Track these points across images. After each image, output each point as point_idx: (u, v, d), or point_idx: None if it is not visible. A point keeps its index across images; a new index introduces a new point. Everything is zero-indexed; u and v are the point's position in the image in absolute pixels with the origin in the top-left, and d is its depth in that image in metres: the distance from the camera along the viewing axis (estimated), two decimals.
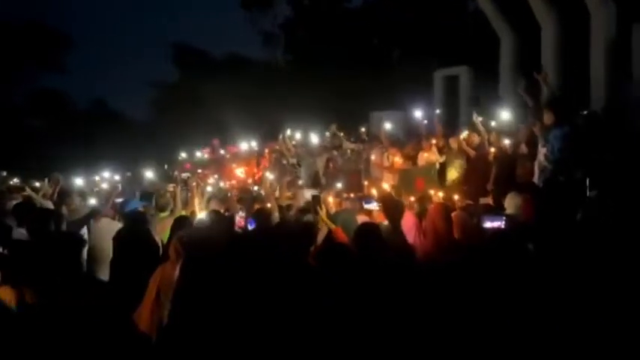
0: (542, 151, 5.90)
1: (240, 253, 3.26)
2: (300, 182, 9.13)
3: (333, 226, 4.10)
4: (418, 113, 8.88)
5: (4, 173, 6.50)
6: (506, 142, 6.81)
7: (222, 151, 12.21)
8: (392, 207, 3.45)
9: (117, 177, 10.12)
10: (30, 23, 24.19)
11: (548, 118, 5.85)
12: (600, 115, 7.24)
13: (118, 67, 30.01)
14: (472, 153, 7.14)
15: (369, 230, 3.44)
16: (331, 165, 9.15)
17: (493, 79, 11.04)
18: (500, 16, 10.79)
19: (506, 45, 10.82)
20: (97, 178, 10.05)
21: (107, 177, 9.95)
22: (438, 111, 9.02)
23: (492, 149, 7.05)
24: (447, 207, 3.74)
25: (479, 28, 12.23)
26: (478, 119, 7.51)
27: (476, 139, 7.27)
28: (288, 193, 6.60)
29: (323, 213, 4.35)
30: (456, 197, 5.91)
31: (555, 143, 5.72)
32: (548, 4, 9.62)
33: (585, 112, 6.95)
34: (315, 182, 9.12)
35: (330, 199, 5.45)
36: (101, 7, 33.07)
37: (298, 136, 10.46)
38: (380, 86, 15.93)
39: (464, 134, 7.50)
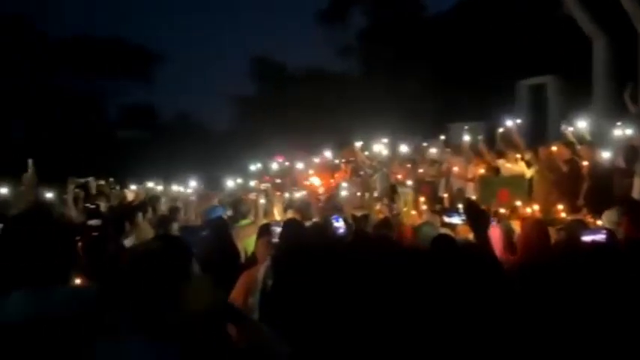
0: None
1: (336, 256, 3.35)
2: (375, 194, 9.04)
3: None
4: (503, 124, 8.53)
5: (90, 179, 6.86)
6: (604, 155, 6.37)
7: (298, 163, 12.39)
8: (477, 217, 3.31)
9: (201, 186, 10.43)
10: (121, 40, 26.18)
11: None
12: None
13: (200, 80, 31.59)
14: (564, 166, 6.73)
15: (444, 243, 3.38)
16: (400, 177, 9.00)
17: (583, 87, 10.42)
18: (592, 20, 10.15)
19: (599, 51, 10.16)
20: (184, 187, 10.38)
21: (193, 186, 10.25)
22: (518, 121, 8.59)
23: (585, 163, 6.65)
24: (542, 223, 3.52)
25: (567, 33, 11.58)
26: (569, 130, 7.13)
27: (567, 152, 6.86)
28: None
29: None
30: (542, 211, 5.61)
31: None
32: None
33: None
34: (390, 194, 9.00)
35: (413, 212, 5.36)
36: (185, 23, 35.06)
37: (376, 147, 10.40)
38: (460, 96, 15.52)
39: (554, 146, 7.10)
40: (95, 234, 3.73)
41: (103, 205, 6.07)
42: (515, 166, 7.45)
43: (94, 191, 6.87)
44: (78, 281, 2.56)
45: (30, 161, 4.84)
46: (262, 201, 5.85)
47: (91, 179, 7.09)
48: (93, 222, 4.74)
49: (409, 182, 7.24)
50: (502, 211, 5.69)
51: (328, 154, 11.16)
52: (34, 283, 2.29)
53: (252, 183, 10.38)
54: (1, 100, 23.65)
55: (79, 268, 2.47)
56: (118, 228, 4.15)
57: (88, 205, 5.94)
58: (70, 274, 2.37)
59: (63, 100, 24.04)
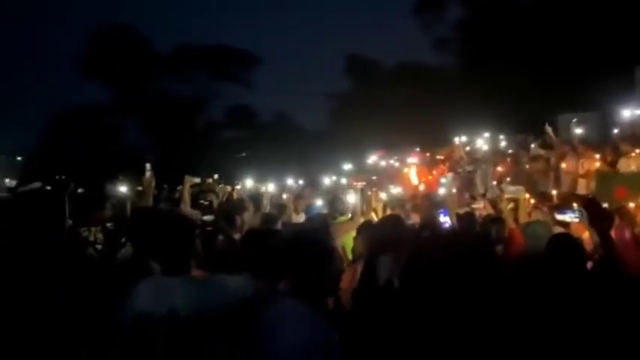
0: None
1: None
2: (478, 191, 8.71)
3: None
4: (620, 114, 7.84)
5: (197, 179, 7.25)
6: None
7: (392, 160, 12.26)
8: (600, 217, 3.07)
9: (300, 182, 10.64)
10: (221, 45, 27.70)
11: None
12: None
13: (297, 80, 32.51)
14: None
15: (564, 242, 3.16)
16: (500, 169, 8.56)
17: None
18: None
19: None
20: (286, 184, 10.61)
21: (291, 184, 10.48)
22: (638, 112, 7.80)
23: None
24: None
25: None
26: None
27: None
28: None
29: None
30: None
31: None
32: None
33: None
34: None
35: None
36: (281, 23, 36.35)
37: (478, 143, 10.04)
38: (567, 85, 14.46)
39: None
40: (209, 229, 3.98)
41: (214, 202, 6.45)
42: (634, 160, 6.82)
43: (206, 188, 7.31)
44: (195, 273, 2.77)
45: (148, 165, 5.06)
46: (357, 198, 5.86)
47: (203, 178, 7.52)
48: (207, 217, 5.08)
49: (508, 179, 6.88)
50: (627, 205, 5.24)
51: (425, 150, 10.94)
52: (162, 273, 2.53)
53: (344, 180, 10.43)
54: (115, 106, 26.06)
55: (197, 261, 2.67)
56: (230, 223, 4.38)
57: (202, 201, 6.34)
58: (191, 266, 2.58)
59: (171, 104, 25.92)
